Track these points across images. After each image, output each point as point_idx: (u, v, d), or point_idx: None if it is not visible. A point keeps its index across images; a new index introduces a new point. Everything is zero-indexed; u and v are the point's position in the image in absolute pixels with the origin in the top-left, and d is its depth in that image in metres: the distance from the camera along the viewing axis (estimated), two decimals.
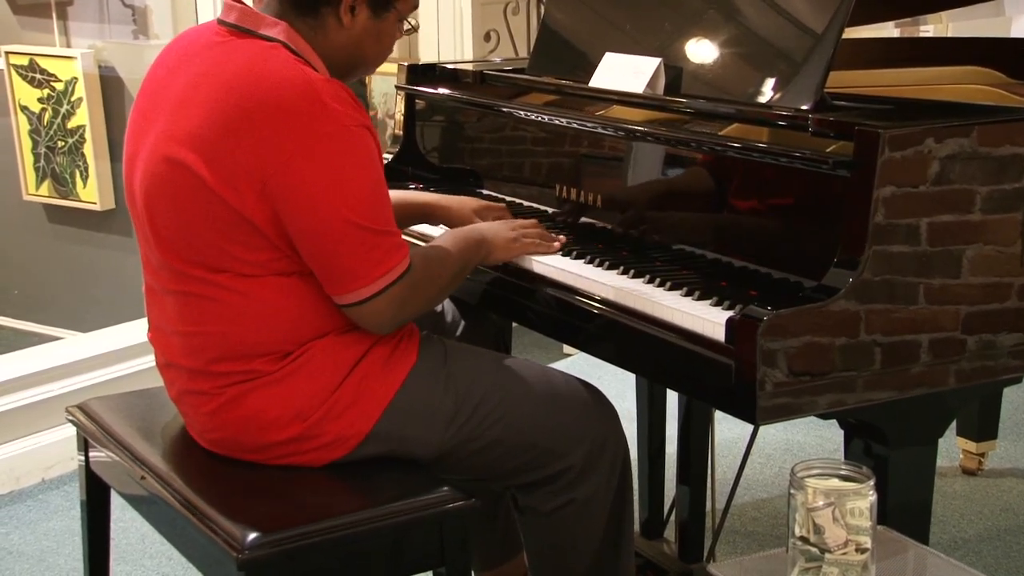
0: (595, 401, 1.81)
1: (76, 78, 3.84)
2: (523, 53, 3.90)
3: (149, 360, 3.14)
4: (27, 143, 4.01)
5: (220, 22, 1.69)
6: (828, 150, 1.58)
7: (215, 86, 1.60)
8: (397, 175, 2.41)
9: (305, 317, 1.66)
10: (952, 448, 2.96)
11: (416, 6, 1.81)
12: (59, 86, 3.89)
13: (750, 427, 1.68)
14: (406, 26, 1.80)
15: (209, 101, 1.59)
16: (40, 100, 3.94)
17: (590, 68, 2.07)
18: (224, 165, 1.57)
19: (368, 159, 1.61)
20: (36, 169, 4.03)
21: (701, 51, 1.94)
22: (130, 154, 1.73)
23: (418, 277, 1.67)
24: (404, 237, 1.70)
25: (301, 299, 1.65)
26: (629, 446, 1.84)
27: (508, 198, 2.18)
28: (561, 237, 1.93)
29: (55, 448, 2.98)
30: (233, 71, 1.60)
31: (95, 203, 3.93)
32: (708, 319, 1.56)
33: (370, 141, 1.62)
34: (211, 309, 1.65)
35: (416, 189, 2.35)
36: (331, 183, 1.57)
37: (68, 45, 3.98)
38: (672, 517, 2.45)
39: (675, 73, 1.94)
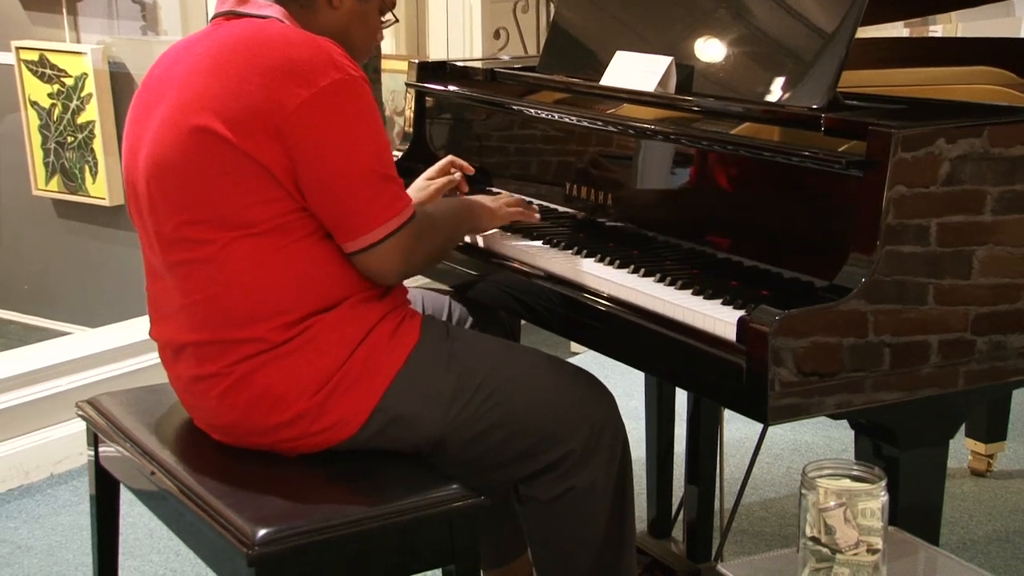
0: (593, 386, 1.82)
1: (86, 74, 3.85)
2: (532, 51, 3.90)
3: (158, 356, 3.16)
4: (37, 138, 4.02)
5: (216, 15, 1.78)
6: (840, 149, 1.58)
7: (218, 56, 1.67)
8: (406, 173, 2.40)
9: (310, 281, 1.68)
10: (961, 449, 2.96)
11: (394, 3, 1.89)
12: (69, 81, 3.90)
13: (758, 427, 1.69)
14: (388, 18, 1.88)
15: (215, 68, 1.66)
16: (50, 95, 3.95)
17: (601, 66, 2.06)
18: (239, 117, 1.62)
19: (372, 108, 1.68)
20: (45, 164, 4.04)
21: (713, 50, 1.94)
22: (131, 143, 1.76)
23: (422, 226, 1.73)
24: None
25: (307, 261, 1.68)
26: (635, 444, 1.85)
27: (518, 196, 2.18)
28: (537, 215, 2.03)
29: (64, 443, 2.99)
30: (234, 42, 1.68)
31: (104, 198, 3.94)
32: (719, 318, 1.56)
33: (370, 94, 1.68)
34: (217, 273, 1.66)
35: None
36: (341, 127, 1.63)
37: (78, 41, 3.99)
38: (680, 516, 2.45)
39: (686, 72, 1.94)
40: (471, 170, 2.14)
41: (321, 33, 1.76)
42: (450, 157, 2.14)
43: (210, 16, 1.80)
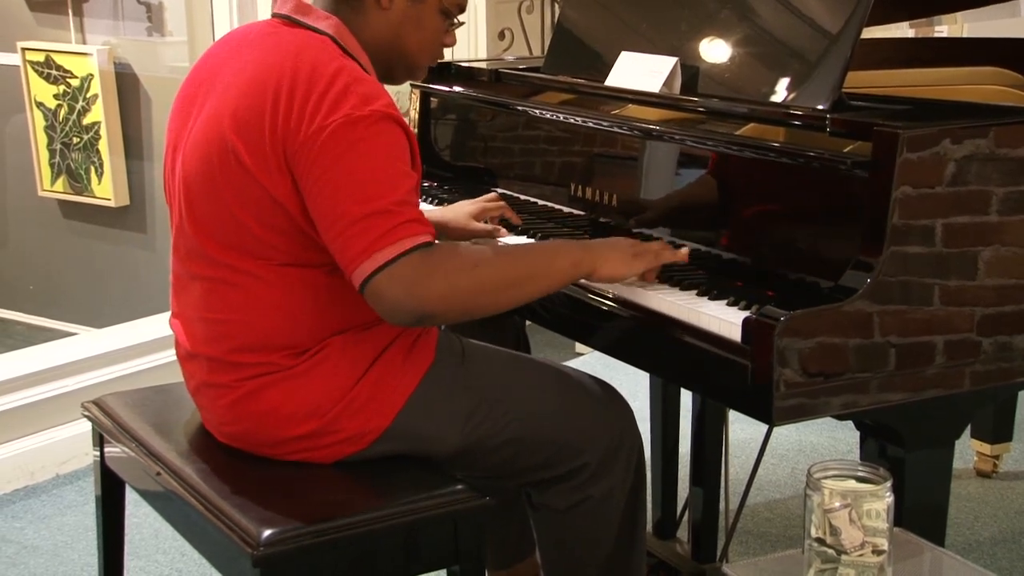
0: (611, 399, 1.81)
1: (91, 75, 3.86)
2: (537, 52, 3.90)
3: (164, 356, 3.16)
4: (43, 139, 4.03)
5: (275, 15, 1.74)
6: (846, 150, 1.58)
7: (258, 74, 1.64)
8: None
9: (327, 313, 1.67)
10: (966, 450, 2.95)
11: (462, 5, 1.80)
12: (75, 83, 3.90)
13: (763, 427, 1.68)
14: (453, 21, 1.80)
15: (251, 84, 1.63)
16: (56, 96, 3.96)
17: (606, 67, 2.06)
18: (258, 145, 1.60)
19: (384, 142, 1.58)
20: (51, 165, 4.04)
21: (718, 50, 1.94)
22: (172, 141, 1.75)
23: (438, 259, 1.56)
24: None
25: (325, 294, 1.66)
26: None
27: (523, 196, 2.18)
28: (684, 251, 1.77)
29: (69, 443, 2.99)
30: (277, 58, 1.64)
31: (110, 199, 3.94)
32: (724, 319, 1.56)
33: (391, 128, 1.60)
34: (236, 297, 1.66)
35: (431, 188, 2.36)
36: (340, 161, 1.56)
37: (84, 42, 3.99)
38: (685, 517, 2.45)
39: (691, 72, 1.94)
40: (517, 220, 2.04)
41: (373, 38, 1.72)
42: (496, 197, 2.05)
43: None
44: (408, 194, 1.59)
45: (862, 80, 2.05)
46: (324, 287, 1.66)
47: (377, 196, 1.56)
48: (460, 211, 2.02)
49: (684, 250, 1.76)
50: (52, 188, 4.07)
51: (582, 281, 1.77)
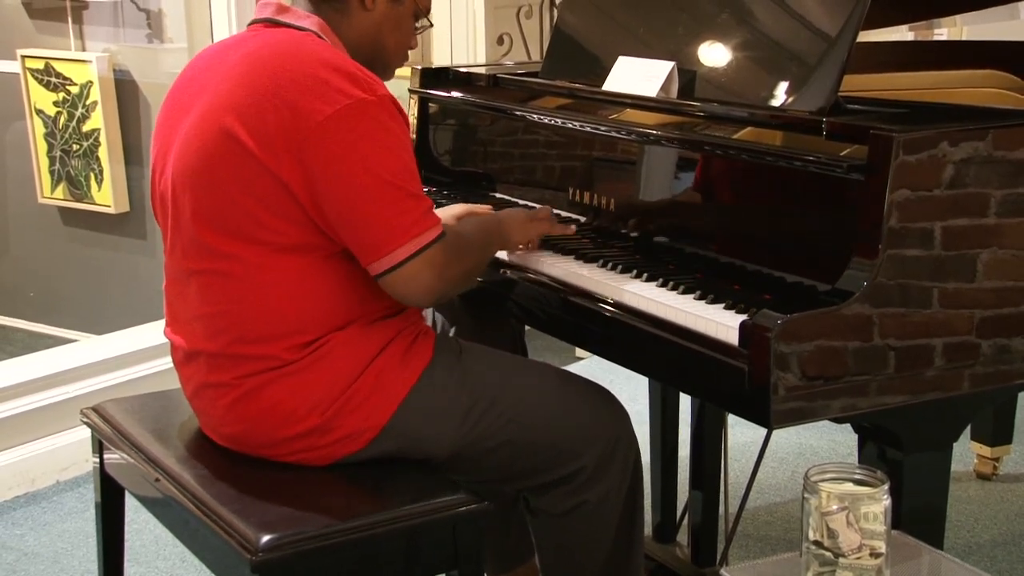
0: (607, 403, 1.82)
1: (91, 82, 3.86)
2: (536, 57, 3.90)
3: (163, 362, 3.16)
4: (42, 146, 4.03)
5: (255, 20, 1.78)
6: (842, 153, 1.58)
7: (251, 67, 1.66)
8: None
9: (328, 303, 1.67)
10: (966, 453, 2.95)
11: (429, 8, 1.87)
12: (74, 90, 3.91)
13: (763, 431, 1.68)
14: (422, 23, 1.87)
15: (246, 78, 1.65)
16: (55, 103, 3.96)
17: (603, 72, 2.07)
18: (263, 130, 1.61)
19: (397, 128, 1.65)
20: (51, 172, 4.05)
21: (715, 54, 1.94)
22: (160, 149, 1.76)
23: (454, 245, 1.68)
24: None
25: (327, 283, 1.67)
26: (641, 449, 1.85)
27: (521, 201, 2.18)
28: (572, 227, 1.97)
29: (70, 450, 2.99)
30: (268, 53, 1.67)
31: (109, 206, 3.94)
32: (721, 323, 1.56)
33: (398, 118, 1.66)
34: (235, 287, 1.66)
35: (429, 193, 2.36)
36: (361, 144, 1.60)
37: (83, 49, 4.00)
38: (685, 521, 2.45)
39: (689, 76, 1.94)
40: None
41: (355, 37, 1.77)
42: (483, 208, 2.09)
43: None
44: (419, 179, 1.68)
45: (861, 83, 2.05)
46: (323, 275, 1.66)
47: (409, 179, 1.64)
48: (449, 214, 2.04)
49: (572, 227, 1.97)
50: (52, 195, 4.07)
51: (581, 287, 1.80)
